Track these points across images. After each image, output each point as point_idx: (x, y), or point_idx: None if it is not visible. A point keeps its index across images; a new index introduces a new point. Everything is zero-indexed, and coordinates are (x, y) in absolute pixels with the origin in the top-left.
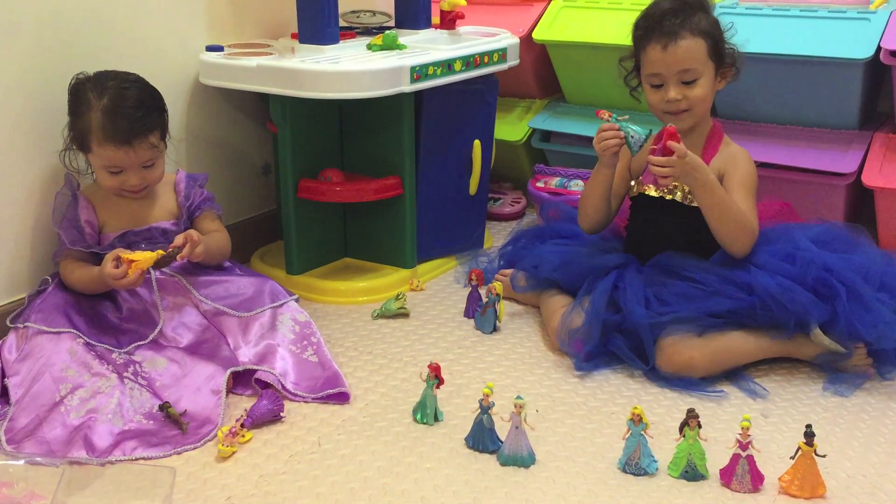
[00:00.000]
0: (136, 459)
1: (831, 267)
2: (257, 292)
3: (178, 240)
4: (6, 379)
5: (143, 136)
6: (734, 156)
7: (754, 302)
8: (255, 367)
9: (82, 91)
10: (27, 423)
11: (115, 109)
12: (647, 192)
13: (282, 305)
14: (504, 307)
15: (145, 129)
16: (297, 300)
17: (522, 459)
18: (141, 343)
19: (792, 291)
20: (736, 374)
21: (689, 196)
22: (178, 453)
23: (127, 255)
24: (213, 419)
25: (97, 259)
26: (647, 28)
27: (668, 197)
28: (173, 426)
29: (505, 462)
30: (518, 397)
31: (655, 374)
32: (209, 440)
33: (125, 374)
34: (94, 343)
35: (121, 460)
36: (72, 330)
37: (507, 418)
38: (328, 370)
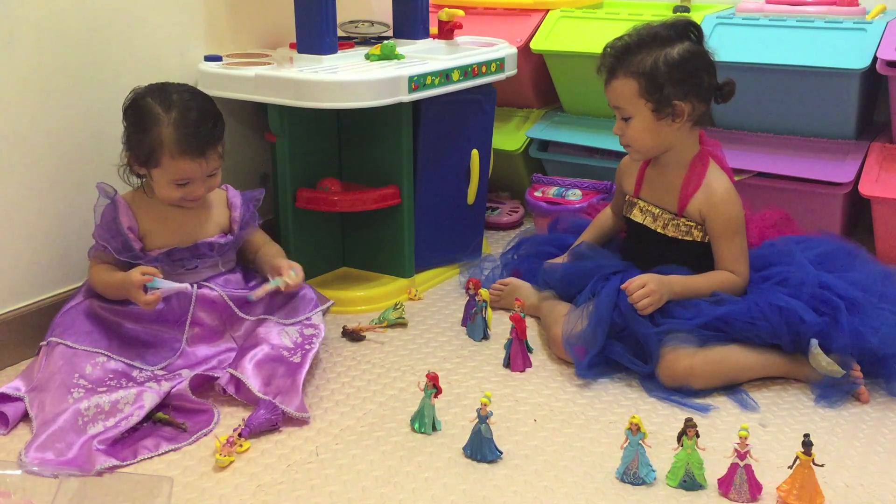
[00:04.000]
0: (164, 453)
1: (827, 284)
2: (303, 300)
3: (296, 275)
4: (27, 393)
5: (214, 146)
6: (714, 199)
7: (750, 306)
8: (214, 374)
9: (146, 106)
10: (46, 440)
11: (186, 122)
12: (631, 218)
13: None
14: (492, 314)
15: (215, 139)
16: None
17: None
18: (161, 366)
19: (787, 300)
20: (732, 385)
21: (666, 228)
22: (197, 440)
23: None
24: (209, 408)
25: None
26: (599, 63)
27: (652, 226)
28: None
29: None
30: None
31: (653, 384)
32: (216, 423)
33: (145, 384)
34: (116, 358)
35: (121, 469)
36: (97, 349)
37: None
38: (293, 389)
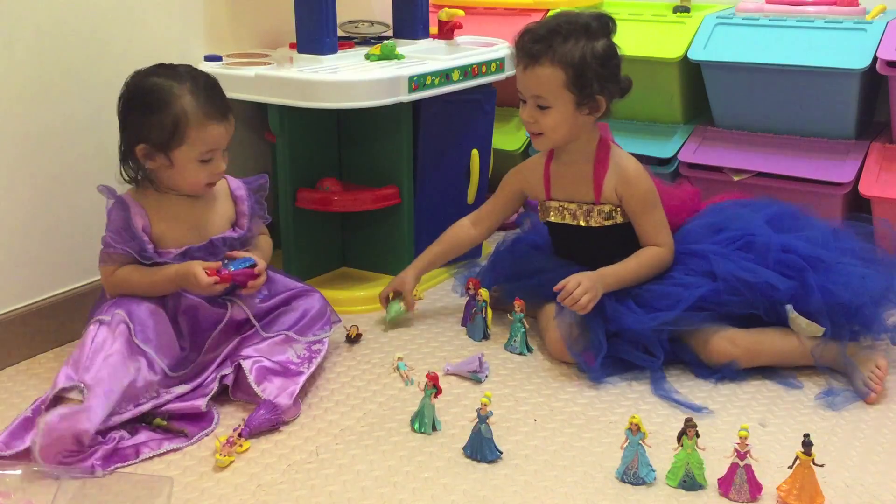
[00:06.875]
0: (164, 453)
1: (789, 247)
2: (316, 316)
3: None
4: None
5: (231, 109)
6: (626, 176)
7: (718, 285)
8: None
9: (154, 84)
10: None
11: (204, 86)
12: (551, 220)
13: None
14: (491, 314)
15: (228, 102)
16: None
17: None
18: (179, 374)
19: (755, 271)
20: (731, 385)
21: (588, 220)
22: (198, 440)
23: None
24: (208, 412)
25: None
26: (518, 45)
27: (572, 222)
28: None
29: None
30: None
31: (653, 385)
32: (216, 423)
33: (163, 394)
34: (158, 363)
35: (121, 469)
36: (147, 348)
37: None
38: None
